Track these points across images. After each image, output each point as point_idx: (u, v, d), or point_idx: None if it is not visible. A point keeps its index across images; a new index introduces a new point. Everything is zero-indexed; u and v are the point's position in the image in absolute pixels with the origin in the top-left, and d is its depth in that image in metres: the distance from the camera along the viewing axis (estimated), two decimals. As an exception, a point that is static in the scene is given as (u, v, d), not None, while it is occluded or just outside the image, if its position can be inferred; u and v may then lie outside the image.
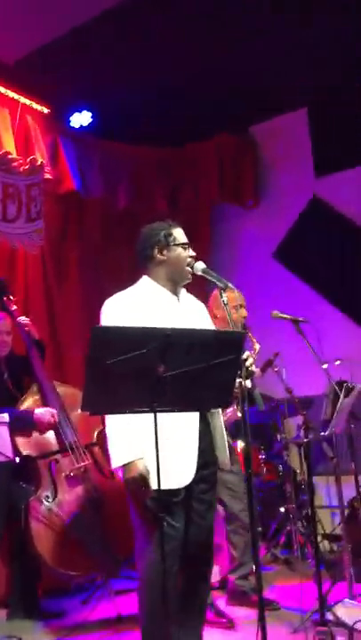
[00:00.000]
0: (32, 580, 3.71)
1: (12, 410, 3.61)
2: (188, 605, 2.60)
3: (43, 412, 3.65)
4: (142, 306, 2.56)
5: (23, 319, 3.97)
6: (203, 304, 2.84)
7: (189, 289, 2.77)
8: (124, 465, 2.41)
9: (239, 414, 3.33)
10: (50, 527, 3.52)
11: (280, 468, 4.72)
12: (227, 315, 2.61)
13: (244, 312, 3.58)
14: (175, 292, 2.68)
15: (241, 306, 3.56)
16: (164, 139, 5.30)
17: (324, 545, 4.50)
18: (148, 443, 2.29)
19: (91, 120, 4.97)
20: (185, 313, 2.66)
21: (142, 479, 2.38)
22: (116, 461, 2.44)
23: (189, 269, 2.65)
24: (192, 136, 5.50)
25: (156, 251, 2.65)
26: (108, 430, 2.47)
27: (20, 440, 3.58)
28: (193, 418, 2.52)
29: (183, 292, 2.73)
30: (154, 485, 2.30)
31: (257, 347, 3.44)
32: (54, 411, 3.70)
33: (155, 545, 2.41)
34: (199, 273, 2.65)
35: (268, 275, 5.61)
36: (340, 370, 4.07)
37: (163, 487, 2.24)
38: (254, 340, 3.46)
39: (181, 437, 2.47)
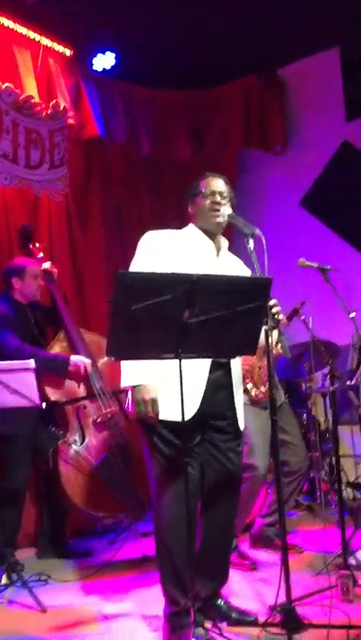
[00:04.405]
0: (60, 521, 3.84)
1: (48, 353, 3.66)
2: (210, 551, 2.64)
3: (78, 360, 3.67)
4: (179, 248, 2.58)
5: (49, 265, 3.97)
6: (247, 268, 2.80)
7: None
8: (135, 386, 2.44)
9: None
10: (78, 470, 3.60)
11: (304, 417, 4.73)
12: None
13: None
14: (213, 243, 2.67)
15: None
16: (189, 82, 5.13)
17: (348, 492, 4.53)
18: (161, 375, 2.35)
19: (114, 62, 4.81)
20: (222, 265, 2.65)
21: (152, 402, 2.42)
22: (128, 380, 2.47)
23: (215, 215, 2.61)
24: (218, 79, 5.30)
25: (188, 206, 2.73)
26: None
27: (47, 386, 3.62)
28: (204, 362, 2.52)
29: (225, 248, 2.73)
30: (172, 417, 2.39)
31: None
32: (89, 361, 3.72)
33: (168, 486, 2.47)
34: (225, 219, 2.63)
35: (295, 223, 5.49)
36: (368, 319, 4.01)
37: (163, 417, 2.40)
38: None
39: (189, 374, 2.40)
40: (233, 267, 2.75)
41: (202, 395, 2.49)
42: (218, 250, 2.70)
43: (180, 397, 2.26)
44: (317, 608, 2.63)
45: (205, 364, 2.51)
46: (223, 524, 2.68)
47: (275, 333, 2.49)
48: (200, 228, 2.68)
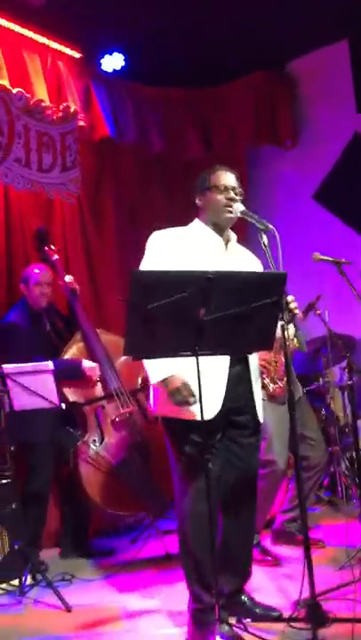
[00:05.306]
0: (82, 521, 3.86)
1: (60, 359, 3.67)
2: (232, 548, 2.64)
3: (92, 367, 3.66)
4: (187, 245, 2.57)
5: (70, 279, 3.97)
6: (257, 258, 2.80)
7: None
8: (164, 379, 2.44)
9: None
10: (98, 470, 3.63)
11: (323, 411, 4.71)
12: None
13: None
14: (222, 237, 2.66)
15: None
16: (198, 79, 5.13)
17: (369, 486, 4.51)
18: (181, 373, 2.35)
19: (123, 63, 4.82)
20: (231, 259, 2.64)
21: (185, 387, 2.41)
22: (156, 376, 2.47)
23: (228, 211, 2.61)
24: (227, 76, 5.30)
25: (196, 197, 2.70)
26: None
27: (66, 387, 3.65)
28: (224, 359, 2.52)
29: (233, 241, 2.72)
30: (181, 416, 2.40)
31: None
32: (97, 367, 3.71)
33: (190, 484, 2.48)
34: (238, 215, 2.62)
35: (308, 217, 5.47)
36: (385, 311, 3.98)
37: (184, 417, 2.39)
38: None
39: (207, 374, 2.41)
40: (243, 258, 2.74)
41: (224, 392, 2.49)
42: (226, 243, 2.69)
43: (202, 395, 2.27)
44: (341, 602, 2.63)
45: (225, 359, 2.51)
46: (244, 520, 2.68)
47: (291, 328, 2.49)
48: (210, 222, 2.66)
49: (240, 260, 2.72)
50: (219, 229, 2.67)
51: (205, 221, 2.68)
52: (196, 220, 2.71)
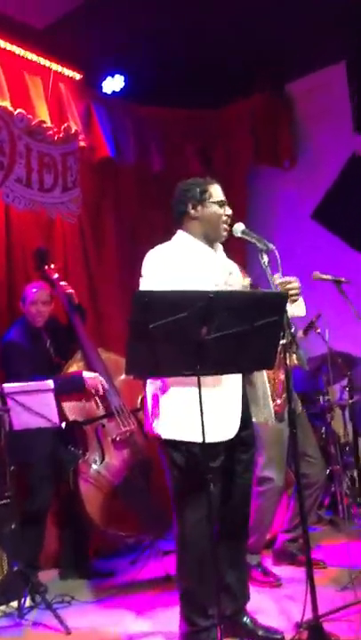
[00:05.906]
0: (82, 541, 3.83)
1: (60, 375, 3.67)
2: (229, 568, 2.62)
3: (92, 377, 3.67)
4: (183, 259, 2.54)
5: (63, 284, 4.00)
6: (236, 264, 2.80)
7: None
8: None
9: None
10: (98, 489, 3.60)
11: (323, 430, 4.69)
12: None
13: None
14: (211, 247, 2.66)
15: None
16: (198, 100, 5.19)
17: (370, 506, 4.48)
18: (193, 397, 2.30)
19: (123, 84, 4.88)
20: (223, 265, 2.65)
21: None
22: None
23: (225, 228, 2.62)
24: (226, 97, 5.36)
25: (190, 206, 2.62)
26: None
27: (66, 406, 3.64)
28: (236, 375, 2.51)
29: (220, 248, 2.71)
30: (199, 439, 2.27)
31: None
32: (102, 379, 3.71)
33: (192, 507, 2.44)
34: (238, 235, 2.63)
35: (307, 236, 5.50)
36: (384, 330, 3.99)
37: (207, 440, 2.25)
38: None
39: (225, 391, 2.45)
40: (229, 262, 2.73)
41: (240, 408, 2.48)
42: (214, 249, 2.67)
43: (218, 417, 2.28)
44: (344, 624, 2.60)
45: (238, 382, 2.50)
46: (238, 537, 2.67)
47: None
48: (200, 234, 2.61)
49: (228, 262, 2.72)
50: (208, 242, 2.63)
51: (194, 233, 2.62)
52: (181, 233, 2.64)
